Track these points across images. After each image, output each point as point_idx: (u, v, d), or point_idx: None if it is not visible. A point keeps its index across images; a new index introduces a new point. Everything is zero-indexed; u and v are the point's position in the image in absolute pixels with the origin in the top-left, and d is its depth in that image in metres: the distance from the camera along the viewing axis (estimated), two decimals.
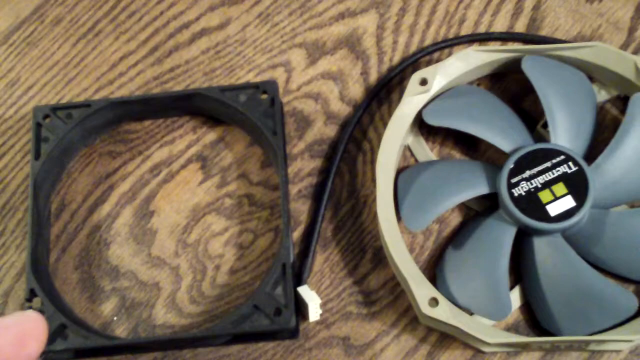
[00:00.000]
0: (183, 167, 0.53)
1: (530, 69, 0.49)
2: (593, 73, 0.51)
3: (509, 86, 0.53)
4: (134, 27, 0.56)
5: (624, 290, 0.46)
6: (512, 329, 0.47)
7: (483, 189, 0.48)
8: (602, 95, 0.51)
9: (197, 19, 0.56)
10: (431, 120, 0.49)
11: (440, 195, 0.48)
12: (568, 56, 0.50)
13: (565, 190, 0.46)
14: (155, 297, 0.50)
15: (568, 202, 0.46)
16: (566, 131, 0.48)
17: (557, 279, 0.46)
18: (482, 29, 0.55)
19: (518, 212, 0.46)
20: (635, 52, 0.54)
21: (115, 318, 0.49)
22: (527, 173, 0.47)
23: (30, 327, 0.37)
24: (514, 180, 0.47)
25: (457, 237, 0.49)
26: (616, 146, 0.48)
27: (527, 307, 0.47)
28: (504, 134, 0.49)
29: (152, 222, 0.51)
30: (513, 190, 0.46)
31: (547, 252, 0.46)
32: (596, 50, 0.50)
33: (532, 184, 0.46)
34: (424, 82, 0.49)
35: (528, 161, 0.47)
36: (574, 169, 0.47)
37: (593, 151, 0.49)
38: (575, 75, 0.50)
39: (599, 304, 0.45)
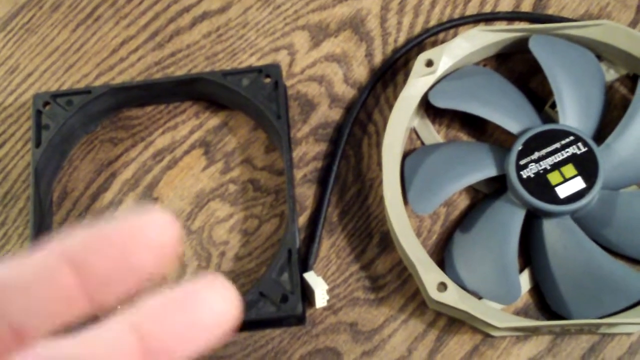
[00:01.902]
0: (186, 153, 0.52)
1: (538, 48, 0.48)
2: (601, 52, 0.50)
3: (516, 66, 0.52)
4: (134, 11, 0.56)
5: (635, 272, 0.45)
6: (522, 312, 0.47)
7: (491, 171, 0.47)
8: (611, 74, 0.50)
9: (198, 2, 0.55)
10: (438, 102, 0.48)
11: (447, 178, 0.47)
12: (576, 35, 0.49)
13: (574, 172, 0.45)
14: (159, 284, 0.49)
15: (578, 184, 0.45)
16: (575, 111, 0.48)
17: (567, 262, 0.45)
18: (487, 8, 0.54)
19: (527, 194, 0.45)
20: None
21: (119, 307, 0.48)
22: (536, 154, 0.46)
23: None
24: (522, 162, 0.46)
25: (465, 221, 0.48)
26: (626, 126, 0.47)
27: (537, 290, 0.47)
28: (511, 115, 0.48)
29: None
30: (522, 173, 0.46)
31: (556, 234, 0.46)
32: (604, 28, 0.49)
33: (541, 165, 0.46)
34: (429, 63, 0.48)
35: (537, 143, 0.46)
36: (583, 149, 0.46)
37: (602, 131, 0.48)
38: (583, 54, 0.49)
39: (610, 286, 0.44)
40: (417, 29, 0.53)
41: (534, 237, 0.47)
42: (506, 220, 0.46)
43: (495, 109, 0.48)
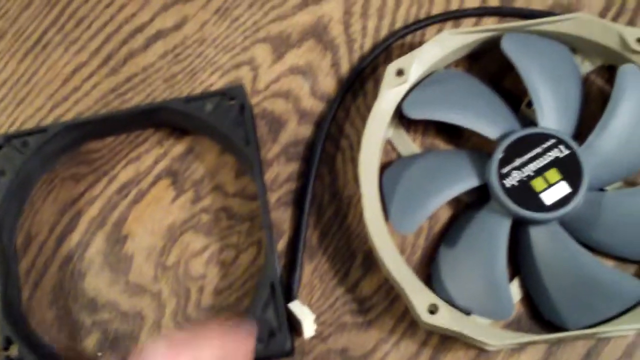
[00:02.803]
0: (153, 184, 0.49)
1: (510, 48, 0.46)
2: (576, 45, 0.48)
3: (488, 65, 0.50)
4: (84, 35, 0.52)
5: (628, 276, 0.44)
6: (514, 322, 0.45)
7: (473, 182, 0.45)
8: (586, 67, 0.49)
9: (151, 20, 0.52)
10: (412, 113, 0.46)
11: (428, 193, 0.45)
12: (548, 30, 0.47)
13: (559, 176, 0.44)
14: (139, 327, 0.47)
15: (563, 189, 0.44)
16: (553, 112, 0.46)
17: (558, 270, 0.44)
18: (454, 4, 0.51)
19: (512, 204, 0.44)
20: (616, 18, 0.51)
21: (99, 354, 0.46)
22: (518, 161, 0.44)
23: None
24: (504, 170, 0.44)
25: (449, 234, 0.47)
26: (606, 123, 0.45)
27: (528, 299, 0.46)
28: (489, 120, 0.46)
29: (126, 247, 0.48)
30: (504, 181, 0.44)
31: (545, 242, 0.44)
32: (578, 22, 0.47)
33: (523, 172, 0.44)
34: (400, 72, 0.46)
35: (517, 148, 0.44)
36: (565, 152, 0.44)
37: (581, 126, 0.46)
38: (557, 49, 0.47)
39: (603, 292, 0.43)
40: (384, 32, 0.51)
41: (521, 245, 0.45)
42: (492, 232, 0.45)
43: (472, 116, 0.46)
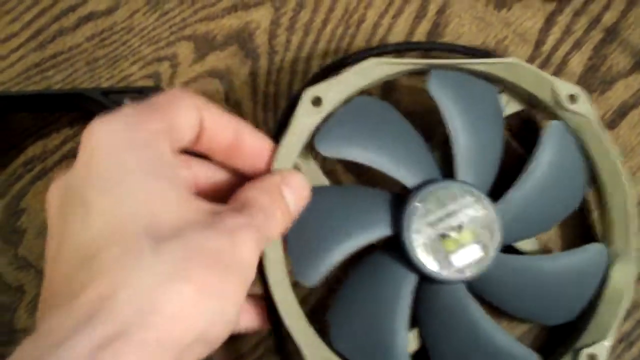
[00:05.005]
0: (57, 163, 0.51)
1: (436, 89, 0.44)
2: (505, 85, 0.47)
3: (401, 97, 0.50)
4: (19, 6, 0.53)
5: (525, 349, 0.44)
6: None
7: (384, 231, 0.43)
8: (511, 107, 0.47)
9: (85, 1, 0.53)
10: (325, 150, 0.43)
11: (334, 242, 0.43)
12: (479, 70, 0.45)
13: (471, 238, 0.43)
14: (19, 300, 0.49)
15: (474, 252, 0.43)
16: (472, 165, 0.44)
17: (457, 330, 0.44)
18: (380, 31, 0.51)
19: (421, 262, 0.42)
20: (541, 66, 0.51)
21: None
22: (432, 217, 0.42)
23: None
24: (416, 225, 0.42)
25: (350, 280, 0.45)
26: (524, 183, 0.45)
27: (423, 351, 0.45)
28: (407, 165, 0.44)
29: (21, 220, 0.50)
30: (415, 237, 0.42)
31: (447, 301, 0.44)
32: (512, 67, 0.45)
33: (436, 230, 0.42)
34: (317, 101, 0.43)
35: (433, 202, 0.43)
36: (481, 212, 0.43)
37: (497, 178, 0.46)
38: (485, 94, 0.45)
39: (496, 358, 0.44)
40: (306, 49, 0.51)
41: (424, 299, 0.44)
42: (397, 286, 0.43)
43: (389, 160, 0.43)
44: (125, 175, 0.33)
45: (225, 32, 0.52)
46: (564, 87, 0.45)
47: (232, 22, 0.52)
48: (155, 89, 0.48)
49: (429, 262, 0.42)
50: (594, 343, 0.44)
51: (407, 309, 0.43)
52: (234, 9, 0.52)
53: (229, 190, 0.40)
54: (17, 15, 0.53)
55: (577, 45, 0.51)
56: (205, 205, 0.35)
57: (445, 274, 0.42)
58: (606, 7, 0.51)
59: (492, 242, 0.43)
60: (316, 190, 0.43)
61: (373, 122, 0.45)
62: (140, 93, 0.48)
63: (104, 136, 0.35)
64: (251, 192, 0.38)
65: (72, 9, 0.53)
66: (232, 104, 0.51)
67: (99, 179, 0.33)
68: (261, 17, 0.52)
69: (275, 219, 0.38)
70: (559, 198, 0.46)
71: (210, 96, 0.51)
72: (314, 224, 0.43)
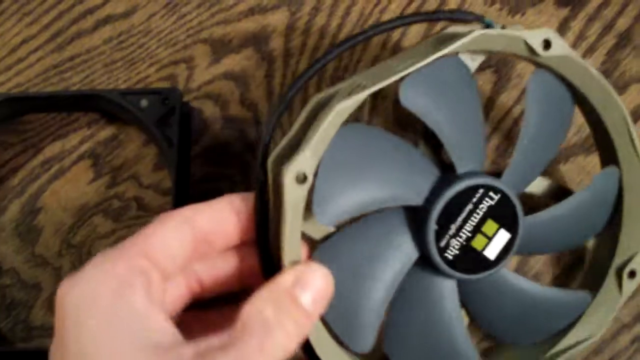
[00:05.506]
0: (74, 163, 0.51)
1: (410, 101, 0.40)
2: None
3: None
4: (38, 9, 0.54)
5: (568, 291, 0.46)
6: None
7: (411, 256, 0.42)
8: (477, 60, 0.44)
9: (103, 4, 0.54)
10: (330, 221, 0.39)
11: (372, 302, 0.41)
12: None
13: (496, 226, 0.41)
14: (35, 297, 0.49)
15: (503, 237, 0.41)
16: (468, 152, 0.42)
17: (507, 304, 0.45)
18: (395, 35, 0.52)
19: (457, 273, 0.41)
20: None
21: None
22: (453, 228, 0.41)
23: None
24: (442, 243, 0.41)
25: (395, 305, 0.43)
26: (522, 142, 0.43)
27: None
28: (409, 186, 0.41)
29: (38, 219, 0.51)
30: (446, 254, 0.41)
31: (491, 289, 0.45)
32: (480, 39, 0.40)
33: (462, 237, 0.41)
34: (302, 179, 0.37)
35: (449, 213, 0.40)
36: (496, 197, 0.41)
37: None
38: (458, 77, 0.42)
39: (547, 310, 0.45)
40: (321, 53, 0.52)
41: (469, 295, 0.45)
42: (441, 299, 0.43)
43: (390, 193, 0.41)
44: (92, 346, 0.31)
45: (241, 35, 0.53)
46: (535, 36, 0.41)
47: (248, 25, 0.53)
48: (172, 90, 0.49)
49: (467, 270, 0.41)
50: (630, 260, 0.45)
51: (461, 318, 0.43)
52: (250, 12, 0.53)
53: (240, 278, 0.38)
54: (36, 17, 0.54)
55: (591, 50, 0.52)
56: (187, 349, 0.31)
57: (484, 272, 0.42)
58: (619, 13, 0.52)
59: (515, 219, 0.42)
60: (329, 246, 0.40)
61: (362, 156, 0.41)
62: (159, 94, 0.49)
63: (69, 301, 0.32)
64: (255, 306, 0.33)
65: (90, 11, 0.54)
66: (246, 105, 0.51)
67: (69, 353, 0.32)
68: (277, 20, 0.53)
69: (284, 331, 0.33)
70: (553, 142, 0.45)
71: (225, 98, 0.51)
72: (343, 290, 0.40)
